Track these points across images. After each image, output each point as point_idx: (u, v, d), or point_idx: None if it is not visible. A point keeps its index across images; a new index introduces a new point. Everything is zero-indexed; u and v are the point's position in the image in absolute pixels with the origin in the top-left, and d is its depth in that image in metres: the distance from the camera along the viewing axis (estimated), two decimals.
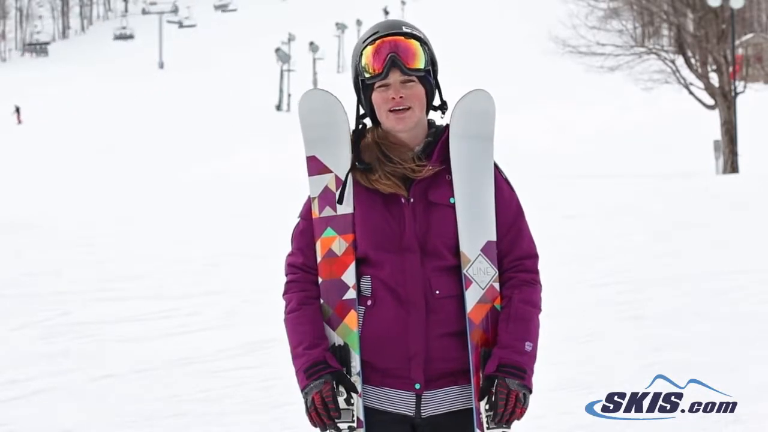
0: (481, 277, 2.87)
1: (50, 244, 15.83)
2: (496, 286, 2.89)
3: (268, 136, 47.49)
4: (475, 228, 2.87)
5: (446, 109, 2.97)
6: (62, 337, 8.44)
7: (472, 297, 2.86)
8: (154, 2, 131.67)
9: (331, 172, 2.91)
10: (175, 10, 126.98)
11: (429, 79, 2.90)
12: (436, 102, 2.96)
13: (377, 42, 2.87)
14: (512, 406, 2.79)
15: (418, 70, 2.85)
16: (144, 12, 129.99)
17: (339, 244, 2.88)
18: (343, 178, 2.90)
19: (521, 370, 2.81)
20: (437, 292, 2.84)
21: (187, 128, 53.93)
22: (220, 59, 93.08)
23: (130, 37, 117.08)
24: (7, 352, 7.95)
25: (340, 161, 2.91)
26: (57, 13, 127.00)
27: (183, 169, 38.12)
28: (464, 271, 2.86)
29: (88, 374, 7.08)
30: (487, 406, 2.80)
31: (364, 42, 2.90)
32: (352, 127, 2.95)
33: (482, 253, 2.87)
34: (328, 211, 2.90)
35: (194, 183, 31.75)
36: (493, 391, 2.80)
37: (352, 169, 2.89)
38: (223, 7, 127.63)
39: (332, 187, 2.90)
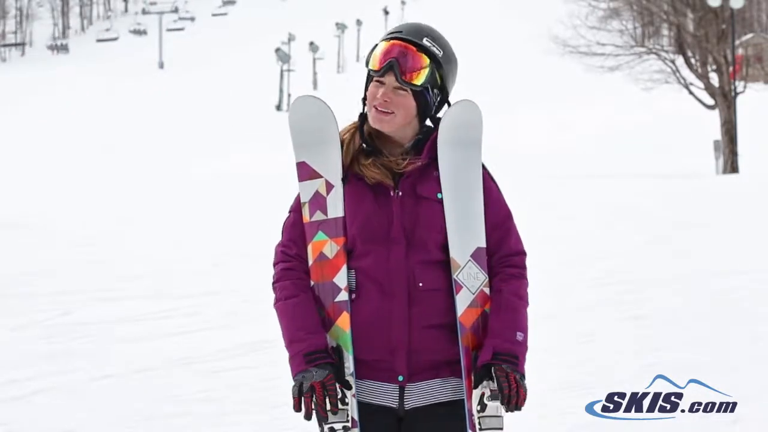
0: (471, 282, 2.90)
1: (50, 244, 15.83)
2: (487, 291, 2.92)
3: (268, 136, 47.50)
4: (464, 234, 2.90)
5: (434, 120, 2.99)
6: (62, 337, 8.44)
7: (462, 301, 2.89)
8: (154, 2, 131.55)
9: (321, 177, 2.94)
10: (175, 10, 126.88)
11: (425, 95, 2.90)
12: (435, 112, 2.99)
13: (392, 41, 2.89)
14: (515, 387, 2.80)
15: (412, 84, 2.86)
16: (144, 12, 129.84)
17: (330, 248, 2.91)
18: (333, 183, 2.93)
19: (515, 357, 2.84)
20: (420, 284, 2.87)
21: (187, 128, 53.94)
22: (220, 59, 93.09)
23: (114, 39, 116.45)
24: (7, 352, 7.95)
25: (330, 166, 2.94)
26: (57, 13, 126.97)
27: (183, 169, 38.13)
28: (454, 276, 2.89)
29: (88, 374, 7.08)
30: (479, 407, 2.81)
31: (388, 34, 2.94)
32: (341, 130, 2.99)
33: (472, 258, 2.90)
34: (318, 216, 2.93)
35: (194, 183, 31.75)
36: (492, 377, 2.81)
37: (356, 153, 2.93)
38: (224, 5, 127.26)
39: (323, 191, 2.93)
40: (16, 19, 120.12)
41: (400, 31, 2.91)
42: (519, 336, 2.87)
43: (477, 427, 2.82)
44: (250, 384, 6.63)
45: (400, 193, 2.91)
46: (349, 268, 2.91)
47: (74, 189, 30.23)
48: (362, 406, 2.89)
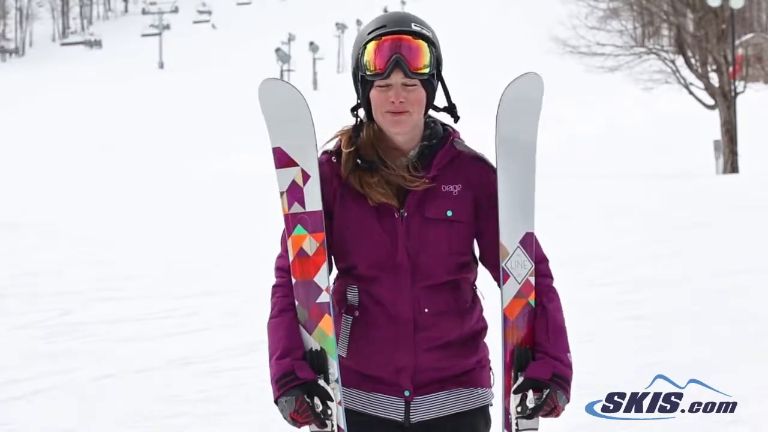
0: (518, 270, 2.79)
1: (50, 244, 15.83)
2: (532, 280, 2.80)
3: (268, 136, 47.46)
4: (515, 215, 2.77)
5: (456, 113, 2.84)
6: (62, 337, 8.45)
7: (508, 292, 2.78)
8: (154, 2, 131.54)
9: (297, 165, 2.76)
10: (175, 11, 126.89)
11: (432, 81, 2.75)
12: (438, 103, 2.84)
13: (382, 38, 2.69)
14: (552, 416, 2.76)
15: (423, 73, 2.70)
16: (144, 12, 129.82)
17: (310, 244, 2.76)
18: (309, 173, 2.76)
19: (568, 383, 2.77)
20: (426, 310, 2.78)
21: (187, 128, 53.95)
22: (219, 59, 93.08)
23: (97, 43, 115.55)
24: (8, 352, 7.96)
25: (306, 154, 2.77)
26: (57, 13, 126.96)
27: (183, 169, 38.15)
28: (502, 265, 2.77)
29: (88, 374, 7.08)
30: (519, 409, 2.74)
31: (369, 34, 2.72)
32: (315, 121, 2.81)
33: (520, 245, 2.78)
34: (296, 208, 2.76)
35: (194, 183, 31.76)
36: (540, 396, 2.73)
37: (354, 168, 2.77)
38: (202, 15, 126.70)
39: (299, 181, 2.76)
40: (15, 18, 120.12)
41: (384, 26, 2.72)
42: (570, 357, 2.80)
43: (513, 427, 2.74)
44: (250, 384, 6.63)
45: (406, 214, 2.76)
46: (350, 284, 2.81)
47: (74, 189, 30.24)
48: (365, 417, 2.83)
